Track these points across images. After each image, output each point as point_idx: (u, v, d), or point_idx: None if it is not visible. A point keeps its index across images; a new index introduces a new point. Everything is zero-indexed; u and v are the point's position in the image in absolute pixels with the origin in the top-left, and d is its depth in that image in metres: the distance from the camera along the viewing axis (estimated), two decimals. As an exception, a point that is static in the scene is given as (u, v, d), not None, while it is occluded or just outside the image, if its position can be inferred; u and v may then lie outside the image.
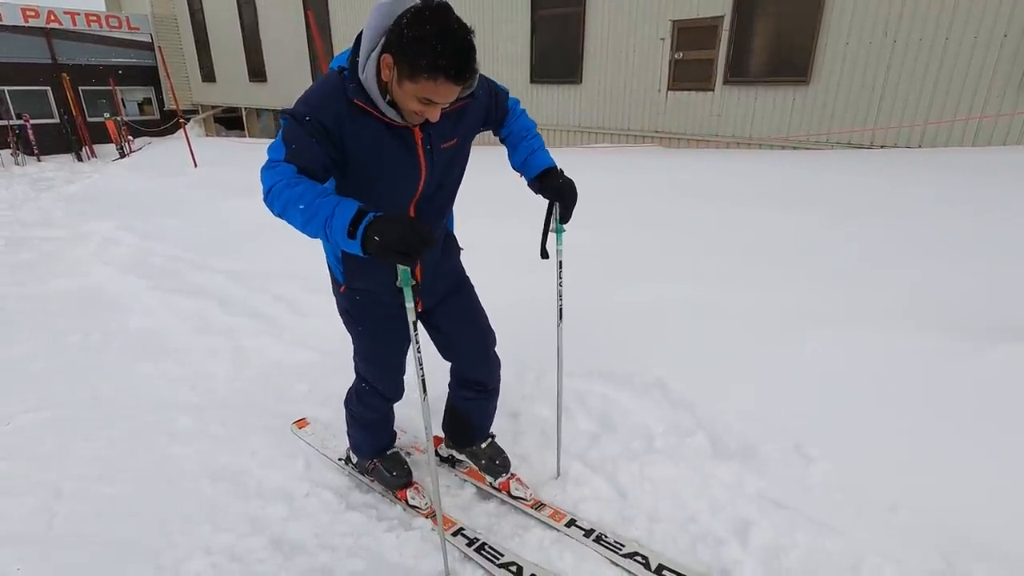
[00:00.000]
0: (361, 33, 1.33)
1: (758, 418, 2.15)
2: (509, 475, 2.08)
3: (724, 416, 2.19)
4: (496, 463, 2.07)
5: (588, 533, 1.86)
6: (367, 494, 2.16)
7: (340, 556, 1.83)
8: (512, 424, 2.47)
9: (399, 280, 1.34)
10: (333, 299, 1.90)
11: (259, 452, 2.36)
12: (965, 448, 1.90)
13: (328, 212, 1.20)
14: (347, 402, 2.05)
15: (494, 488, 2.10)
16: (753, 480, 1.96)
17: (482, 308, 1.97)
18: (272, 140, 1.37)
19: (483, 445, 2.12)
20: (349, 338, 2.07)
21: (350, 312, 1.81)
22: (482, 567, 1.77)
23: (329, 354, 3.07)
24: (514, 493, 2.05)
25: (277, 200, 1.26)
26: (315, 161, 1.32)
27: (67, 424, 2.60)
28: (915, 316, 2.54)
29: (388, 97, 1.34)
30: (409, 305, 1.40)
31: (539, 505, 2.01)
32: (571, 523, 1.91)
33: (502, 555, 1.80)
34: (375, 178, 1.43)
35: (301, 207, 1.22)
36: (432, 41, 1.18)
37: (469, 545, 1.84)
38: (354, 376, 1.99)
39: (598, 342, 2.70)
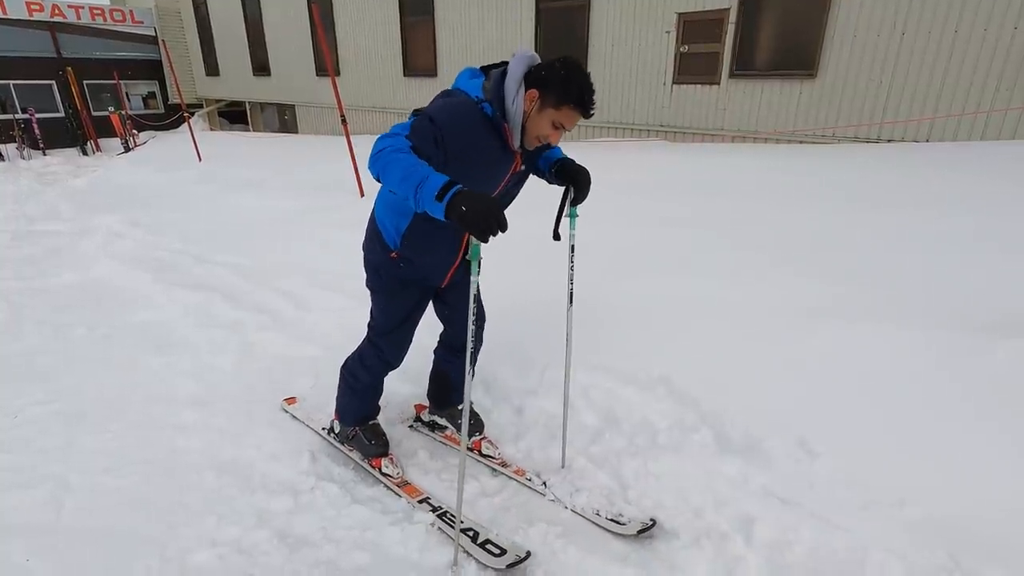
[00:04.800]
0: (489, 69, 1.71)
1: (763, 413, 2.14)
2: (481, 436, 2.35)
3: (728, 411, 2.18)
4: (471, 423, 2.28)
5: (543, 483, 2.11)
6: (372, 487, 2.17)
7: (345, 549, 1.84)
8: (516, 419, 2.48)
9: (469, 254, 1.53)
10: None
11: (264, 446, 2.37)
12: (972, 444, 1.89)
13: (424, 174, 1.42)
14: (346, 365, 2.25)
15: (468, 449, 2.30)
16: (757, 475, 1.96)
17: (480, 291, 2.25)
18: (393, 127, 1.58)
19: (460, 407, 2.32)
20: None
21: (391, 275, 1.99)
22: (445, 533, 1.90)
23: (332, 349, 3.07)
24: (484, 452, 2.30)
25: (383, 157, 1.48)
26: (428, 152, 1.55)
27: (74, 417, 2.62)
28: (922, 311, 2.53)
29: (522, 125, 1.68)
30: (474, 278, 1.59)
31: (505, 464, 2.25)
32: (529, 479, 2.15)
33: (462, 522, 1.91)
34: (464, 177, 1.54)
35: (403, 166, 1.45)
36: (579, 82, 1.61)
37: (433, 512, 1.99)
38: (363, 339, 2.19)
39: (602, 336, 2.70)
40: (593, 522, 1.93)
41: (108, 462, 2.29)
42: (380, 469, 2.21)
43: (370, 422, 2.31)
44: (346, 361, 2.25)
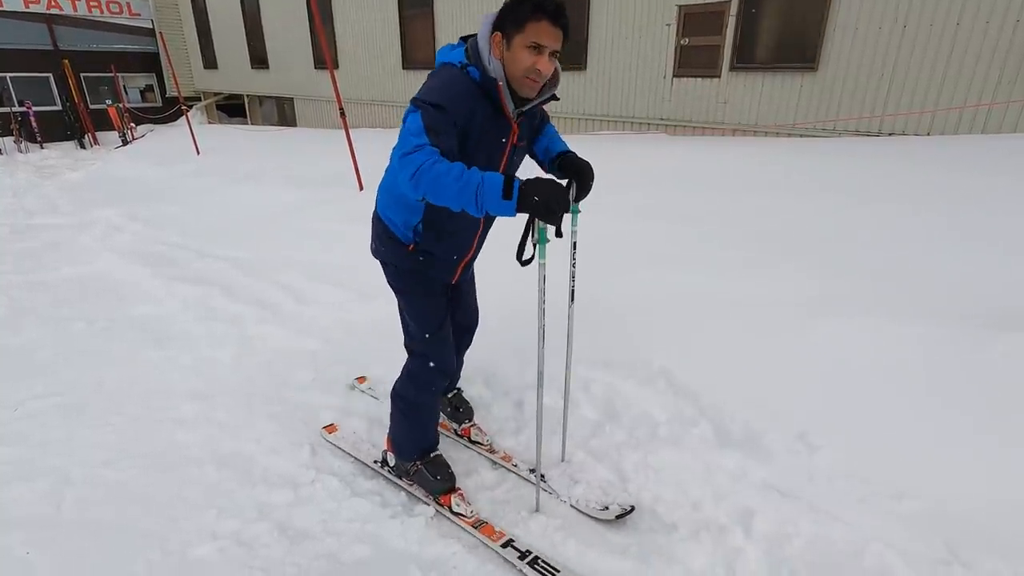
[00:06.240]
0: (467, 38, 1.65)
1: (762, 407, 2.15)
2: (471, 423, 2.37)
3: (728, 405, 2.19)
4: (460, 410, 2.39)
5: (532, 470, 2.08)
6: (371, 480, 2.17)
7: (345, 542, 1.85)
8: (517, 413, 2.48)
9: (535, 238, 1.53)
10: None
11: (264, 439, 2.37)
12: (970, 437, 1.89)
13: (478, 180, 1.38)
14: (397, 393, 2.03)
15: (457, 435, 2.38)
16: (757, 469, 1.97)
17: (475, 290, 2.29)
18: (403, 128, 1.50)
19: (450, 396, 2.44)
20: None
21: (411, 271, 1.89)
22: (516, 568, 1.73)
23: (331, 342, 3.08)
24: (474, 438, 2.33)
25: (426, 176, 1.41)
26: (453, 144, 1.51)
27: (74, 411, 2.62)
28: (921, 306, 2.52)
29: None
30: (542, 261, 1.60)
31: (492, 450, 2.28)
32: (515, 465, 2.19)
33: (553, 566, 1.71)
34: (470, 157, 1.54)
35: (453, 179, 1.39)
36: None
37: (522, 558, 1.75)
38: (406, 363, 2.02)
39: (602, 331, 2.70)
40: (582, 511, 1.94)
41: (108, 455, 2.29)
42: (450, 507, 1.97)
43: (432, 454, 2.08)
44: (395, 388, 2.04)
